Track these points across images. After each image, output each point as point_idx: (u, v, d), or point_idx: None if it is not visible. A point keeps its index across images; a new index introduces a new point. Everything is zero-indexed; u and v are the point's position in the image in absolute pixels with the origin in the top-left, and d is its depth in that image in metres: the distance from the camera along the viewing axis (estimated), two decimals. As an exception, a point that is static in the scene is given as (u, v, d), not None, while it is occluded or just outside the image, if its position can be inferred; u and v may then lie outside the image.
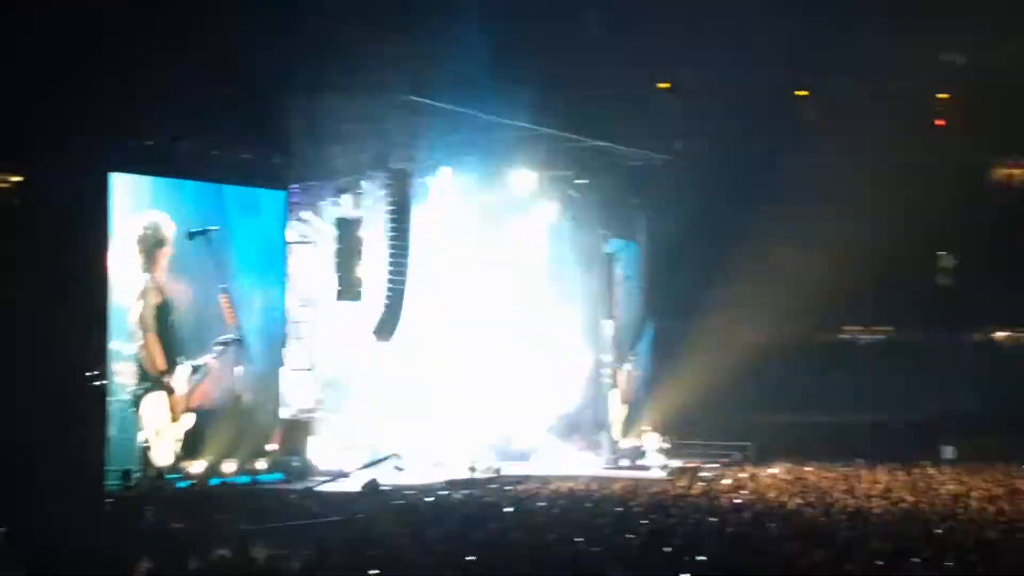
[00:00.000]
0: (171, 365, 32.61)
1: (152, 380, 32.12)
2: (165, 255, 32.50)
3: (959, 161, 51.55)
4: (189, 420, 32.89)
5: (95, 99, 28.13)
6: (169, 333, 32.58)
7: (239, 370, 33.83)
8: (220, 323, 33.66)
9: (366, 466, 35.10)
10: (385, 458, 35.05)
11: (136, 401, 31.59)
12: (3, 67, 27.05)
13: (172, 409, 32.45)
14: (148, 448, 31.48)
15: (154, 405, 32.15)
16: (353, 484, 32.11)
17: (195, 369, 33.09)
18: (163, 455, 31.94)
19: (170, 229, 32.54)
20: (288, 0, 33.17)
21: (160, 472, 30.71)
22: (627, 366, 46.98)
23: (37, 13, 27.40)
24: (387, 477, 33.01)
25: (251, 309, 33.77)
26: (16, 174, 28.61)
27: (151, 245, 32.18)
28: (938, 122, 52.46)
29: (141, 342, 31.97)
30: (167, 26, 29.70)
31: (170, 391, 32.48)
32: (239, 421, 33.50)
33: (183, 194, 32.52)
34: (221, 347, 33.52)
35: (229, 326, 33.59)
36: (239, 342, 33.74)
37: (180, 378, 32.76)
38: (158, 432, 31.91)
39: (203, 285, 33.13)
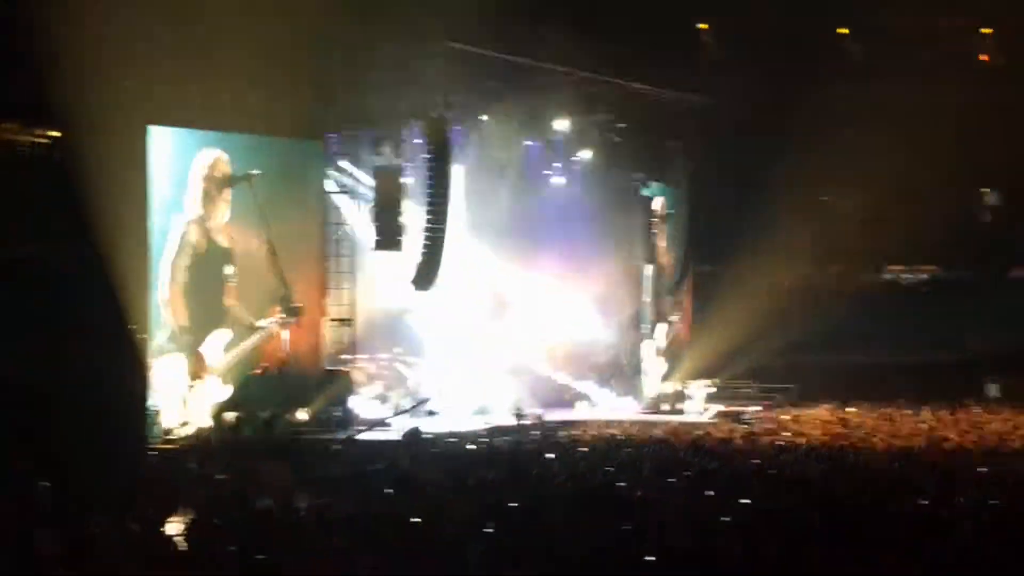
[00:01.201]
0: (201, 325, 32.14)
1: (173, 339, 31.63)
2: (226, 199, 32.48)
3: (1003, 97, 50.88)
4: (219, 391, 32.36)
5: (132, 51, 28.09)
6: (209, 287, 32.35)
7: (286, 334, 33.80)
8: (267, 283, 33.43)
9: (399, 413, 35.17)
10: (419, 404, 35.09)
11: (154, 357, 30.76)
12: (34, 24, 27.01)
13: (195, 375, 31.78)
14: (157, 414, 30.34)
15: (169, 369, 31.42)
16: (394, 433, 32.19)
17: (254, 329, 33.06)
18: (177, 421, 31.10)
19: (230, 168, 32.54)
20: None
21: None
22: (667, 310, 46.86)
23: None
24: (428, 425, 33.07)
25: (292, 262, 33.69)
26: (52, 129, 28.59)
27: (216, 184, 32.14)
28: (982, 57, 51.75)
29: (167, 295, 31.49)
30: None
31: (195, 356, 31.93)
32: (283, 378, 33.50)
33: (223, 146, 32.45)
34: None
35: (276, 288, 33.40)
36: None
37: (213, 344, 32.41)
38: (176, 399, 31.05)
39: (249, 238, 33.00)
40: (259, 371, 33.02)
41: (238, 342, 32.88)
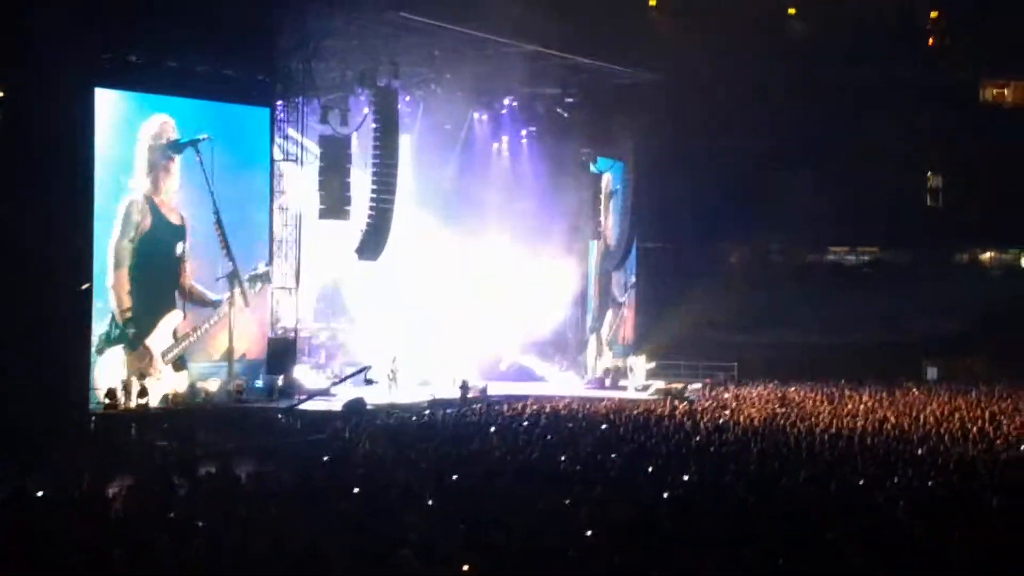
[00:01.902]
0: (148, 313, 31.33)
1: (119, 329, 30.74)
2: (173, 170, 31.74)
3: (948, 80, 51.33)
4: (171, 381, 31.54)
5: (82, 14, 27.82)
6: (159, 268, 31.63)
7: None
8: (218, 257, 32.94)
9: (339, 381, 35.01)
10: (357, 372, 34.93)
11: (98, 351, 29.98)
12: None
13: (141, 374, 30.64)
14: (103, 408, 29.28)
15: (113, 363, 30.34)
16: (337, 403, 32.14)
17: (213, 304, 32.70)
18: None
19: (177, 133, 31.83)
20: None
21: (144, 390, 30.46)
22: (612, 286, 47.03)
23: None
24: (370, 396, 33.04)
25: (237, 229, 33.46)
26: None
27: (162, 152, 31.47)
28: (930, 40, 52.17)
29: (111, 281, 30.47)
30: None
31: (142, 349, 30.97)
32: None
33: (169, 111, 32.02)
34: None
35: (224, 260, 32.99)
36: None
37: (163, 331, 31.66)
38: (117, 391, 29.75)
39: (199, 210, 32.35)
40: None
41: (193, 323, 32.27)
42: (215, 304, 32.92)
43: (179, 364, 31.89)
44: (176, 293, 32.11)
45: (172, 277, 32.02)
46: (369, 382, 34.61)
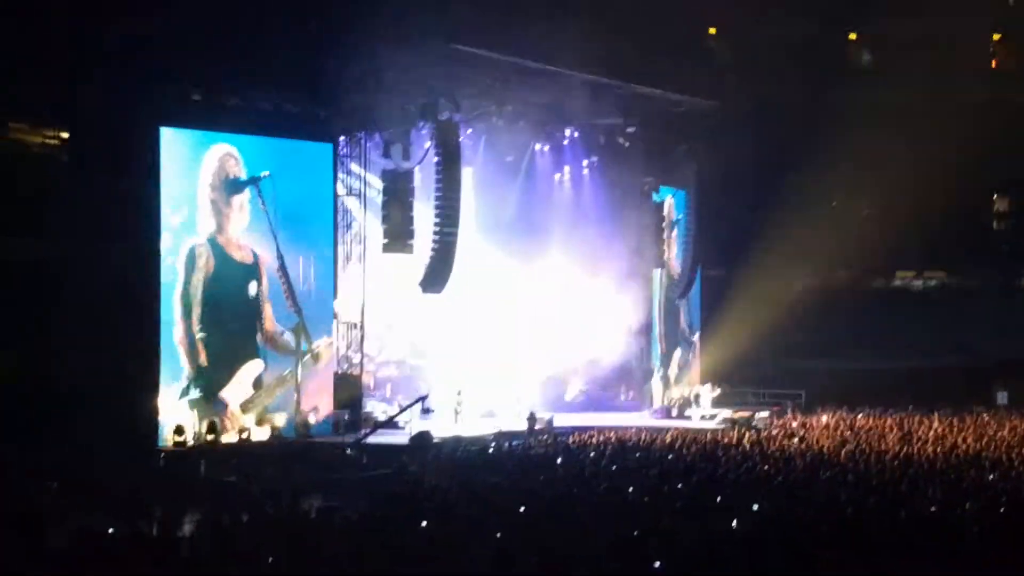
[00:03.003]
0: (223, 362, 30.84)
1: (190, 382, 30.30)
2: (236, 206, 31.28)
3: (1014, 102, 50.81)
4: (255, 431, 31.07)
5: (143, 53, 28.10)
6: (228, 312, 31.05)
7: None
8: (284, 305, 32.33)
9: (398, 412, 34.81)
10: (415, 402, 34.82)
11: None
12: (50, 23, 27.04)
13: (212, 431, 30.00)
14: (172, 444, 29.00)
15: (190, 419, 29.86)
16: (403, 437, 32.14)
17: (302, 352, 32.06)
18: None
19: (240, 167, 31.34)
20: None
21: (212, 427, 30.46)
22: (680, 322, 46.85)
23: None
24: (436, 429, 32.99)
25: (300, 267, 33.35)
26: (63, 129, 28.61)
27: (225, 189, 31.04)
28: (993, 62, 51.71)
29: (179, 335, 29.78)
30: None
31: (212, 399, 30.44)
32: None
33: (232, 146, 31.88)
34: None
35: (290, 310, 32.44)
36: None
37: (240, 381, 31.28)
38: (184, 426, 29.40)
39: (265, 250, 31.84)
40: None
41: (277, 372, 31.90)
42: (302, 353, 32.50)
43: (263, 418, 31.46)
44: (258, 338, 31.65)
45: (248, 321, 31.44)
46: (427, 412, 34.40)
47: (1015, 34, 51.04)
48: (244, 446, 30.38)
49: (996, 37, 51.59)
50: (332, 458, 29.85)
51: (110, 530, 16.59)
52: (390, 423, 33.98)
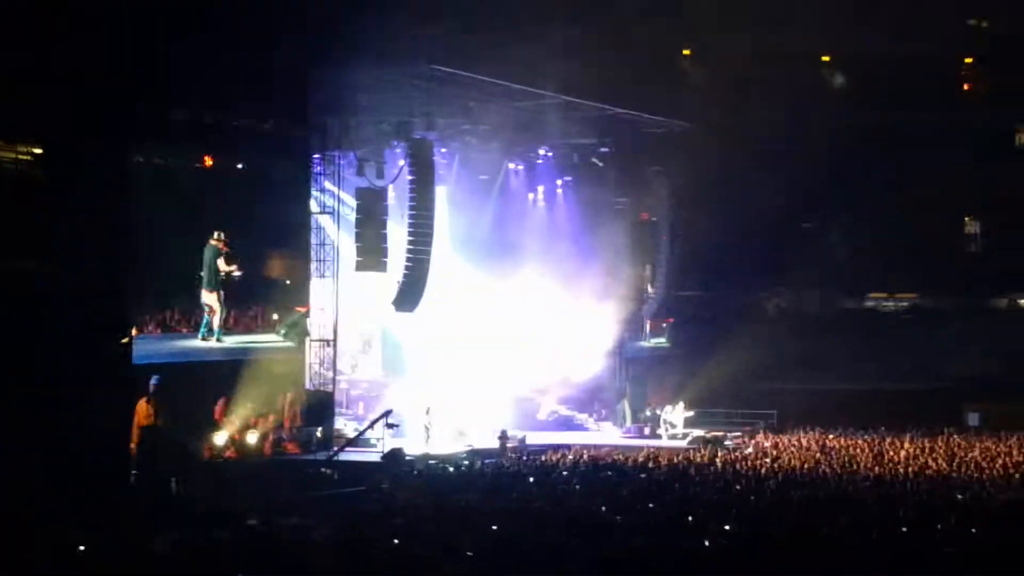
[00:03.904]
0: None
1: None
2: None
3: (984, 125, 51.16)
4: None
5: (117, 74, 28.01)
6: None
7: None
8: None
9: (367, 428, 34.58)
10: (379, 418, 34.60)
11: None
12: (27, 47, 26.95)
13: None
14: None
15: None
16: (375, 454, 32.08)
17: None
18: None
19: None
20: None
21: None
22: (648, 336, 46.93)
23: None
24: (409, 446, 32.94)
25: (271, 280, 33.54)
26: (37, 146, 28.46)
27: None
28: (965, 86, 52.08)
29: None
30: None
31: None
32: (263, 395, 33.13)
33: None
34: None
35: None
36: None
37: None
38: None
39: None
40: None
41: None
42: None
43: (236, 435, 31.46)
44: None
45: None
46: (391, 427, 34.13)
47: (986, 57, 51.44)
48: (216, 463, 30.26)
49: (968, 60, 51.98)
50: (304, 475, 29.79)
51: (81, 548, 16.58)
52: (358, 440, 33.86)
